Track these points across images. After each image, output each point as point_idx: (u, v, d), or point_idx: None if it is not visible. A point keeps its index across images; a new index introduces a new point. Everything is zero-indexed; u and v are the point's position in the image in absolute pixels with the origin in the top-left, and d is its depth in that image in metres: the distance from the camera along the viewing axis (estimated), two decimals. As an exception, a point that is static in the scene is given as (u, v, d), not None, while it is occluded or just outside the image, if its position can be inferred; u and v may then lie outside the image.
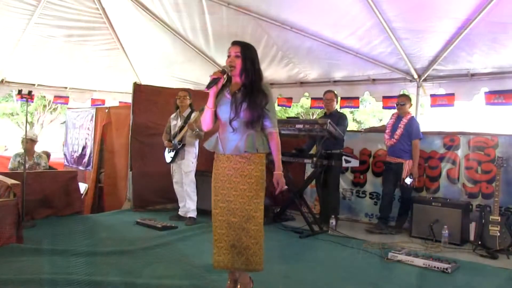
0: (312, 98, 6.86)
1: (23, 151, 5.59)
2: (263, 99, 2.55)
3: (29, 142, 5.53)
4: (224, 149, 2.60)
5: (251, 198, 2.53)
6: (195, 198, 5.10)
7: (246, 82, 2.59)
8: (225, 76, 2.57)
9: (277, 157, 2.61)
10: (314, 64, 6.27)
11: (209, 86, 2.56)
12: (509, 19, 4.19)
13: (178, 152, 5.07)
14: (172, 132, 5.17)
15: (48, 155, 6.96)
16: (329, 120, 4.67)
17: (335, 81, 6.45)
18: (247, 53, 2.60)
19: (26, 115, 5.44)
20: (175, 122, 5.20)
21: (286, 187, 2.57)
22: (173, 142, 5.07)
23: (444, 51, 4.95)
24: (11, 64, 6.84)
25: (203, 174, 5.30)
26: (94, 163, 6.67)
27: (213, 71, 2.65)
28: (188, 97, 5.19)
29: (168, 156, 5.16)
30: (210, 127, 2.69)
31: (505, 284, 3.35)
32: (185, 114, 5.14)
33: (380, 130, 5.60)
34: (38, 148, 6.04)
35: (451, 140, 5.14)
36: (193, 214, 5.06)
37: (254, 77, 2.58)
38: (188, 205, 5.09)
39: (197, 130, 4.91)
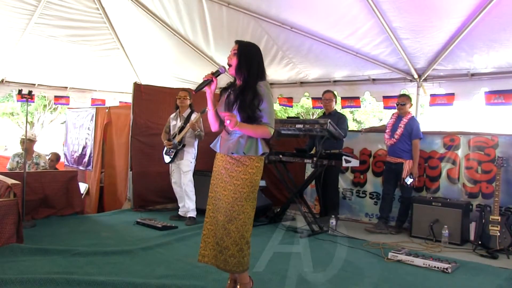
0: (312, 98, 6.87)
1: (22, 151, 5.59)
2: (254, 99, 2.48)
3: (27, 142, 5.54)
4: (220, 148, 2.66)
5: (235, 200, 2.54)
6: (193, 197, 5.10)
7: (240, 81, 2.59)
8: (230, 77, 2.57)
9: (247, 127, 2.48)
10: (314, 64, 6.27)
11: (197, 89, 2.62)
12: (509, 19, 4.20)
13: (177, 152, 5.07)
14: (172, 132, 5.17)
15: (58, 157, 6.95)
16: (329, 120, 4.68)
17: (335, 81, 6.46)
18: (243, 51, 2.58)
19: (26, 115, 5.45)
20: (174, 122, 5.20)
21: (229, 121, 2.38)
22: (172, 142, 5.07)
23: (444, 51, 4.95)
24: (11, 64, 6.84)
25: (203, 174, 5.31)
26: (96, 163, 6.66)
27: (212, 70, 2.66)
28: (188, 97, 5.19)
29: (167, 156, 5.16)
30: (216, 128, 2.72)
31: (505, 284, 3.34)
32: (185, 114, 5.13)
33: (380, 130, 5.61)
34: (44, 150, 6.04)
35: (451, 140, 5.14)
36: (193, 214, 5.06)
37: (246, 74, 2.54)
38: (188, 205, 5.09)
39: (199, 130, 4.92)
